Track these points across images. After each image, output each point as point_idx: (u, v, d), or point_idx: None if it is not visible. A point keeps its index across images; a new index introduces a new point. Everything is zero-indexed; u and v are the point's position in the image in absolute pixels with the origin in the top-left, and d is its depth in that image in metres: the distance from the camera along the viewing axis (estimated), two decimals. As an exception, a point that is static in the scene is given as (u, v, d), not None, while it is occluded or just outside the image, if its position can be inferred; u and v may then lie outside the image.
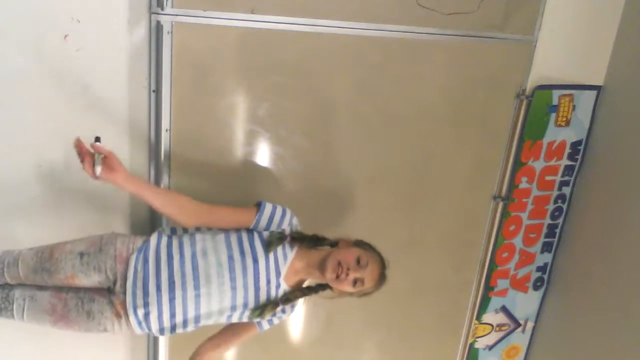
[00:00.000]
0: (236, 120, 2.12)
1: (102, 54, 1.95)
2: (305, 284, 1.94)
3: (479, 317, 2.84)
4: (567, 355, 2.75)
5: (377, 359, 2.77)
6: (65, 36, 1.90)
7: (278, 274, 1.82)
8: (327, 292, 1.92)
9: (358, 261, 1.78)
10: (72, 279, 1.76)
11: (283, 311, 1.88)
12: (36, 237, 1.90)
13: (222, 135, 2.13)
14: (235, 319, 1.86)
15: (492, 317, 2.86)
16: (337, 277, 1.76)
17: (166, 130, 2.03)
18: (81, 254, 1.76)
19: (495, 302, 2.82)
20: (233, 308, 1.80)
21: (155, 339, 2.33)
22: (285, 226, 1.91)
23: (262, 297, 1.81)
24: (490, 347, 2.96)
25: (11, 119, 1.95)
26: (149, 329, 1.80)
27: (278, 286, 1.83)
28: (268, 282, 1.81)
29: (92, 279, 1.76)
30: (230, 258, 1.78)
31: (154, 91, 2.03)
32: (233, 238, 1.84)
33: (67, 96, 1.97)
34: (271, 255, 1.82)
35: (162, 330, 1.81)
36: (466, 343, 2.89)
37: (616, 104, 2.51)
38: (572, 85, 2.50)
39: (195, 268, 1.76)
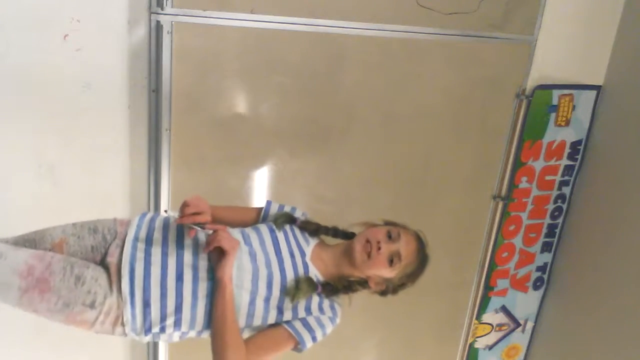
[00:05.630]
0: (236, 120, 2.12)
1: (102, 54, 1.95)
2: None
3: (478, 317, 2.84)
4: (567, 355, 2.75)
5: (377, 359, 2.77)
6: (65, 36, 1.90)
7: (302, 253, 1.53)
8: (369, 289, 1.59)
9: (389, 236, 1.53)
10: (61, 246, 1.47)
11: (321, 309, 1.48)
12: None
13: (221, 135, 2.13)
14: (259, 307, 1.44)
15: (492, 317, 2.86)
16: (369, 256, 1.49)
17: (166, 130, 2.03)
18: (74, 223, 1.54)
19: (495, 302, 2.82)
20: (253, 292, 1.42)
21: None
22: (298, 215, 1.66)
23: (289, 271, 1.47)
24: (490, 347, 2.96)
25: (11, 118, 1.95)
26: (146, 300, 1.39)
27: (305, 266, 1.51)
28: (292, 255, 1.51)
29: (85, 242, 1.48)
30: (244, 230, 1.54)
31: (154, 91, 2.03)
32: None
33: (67, 96, 1.97)
34: (288, 230, 1.56)
35: (163, 297, 1.39)
36: (466, 343, 2.89)
37: (616, 104, 2.51)
38: (572, 85, 2.50)
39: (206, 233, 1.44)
